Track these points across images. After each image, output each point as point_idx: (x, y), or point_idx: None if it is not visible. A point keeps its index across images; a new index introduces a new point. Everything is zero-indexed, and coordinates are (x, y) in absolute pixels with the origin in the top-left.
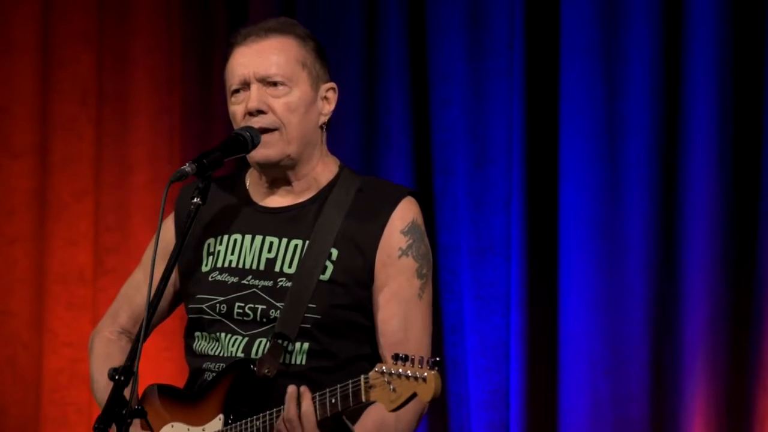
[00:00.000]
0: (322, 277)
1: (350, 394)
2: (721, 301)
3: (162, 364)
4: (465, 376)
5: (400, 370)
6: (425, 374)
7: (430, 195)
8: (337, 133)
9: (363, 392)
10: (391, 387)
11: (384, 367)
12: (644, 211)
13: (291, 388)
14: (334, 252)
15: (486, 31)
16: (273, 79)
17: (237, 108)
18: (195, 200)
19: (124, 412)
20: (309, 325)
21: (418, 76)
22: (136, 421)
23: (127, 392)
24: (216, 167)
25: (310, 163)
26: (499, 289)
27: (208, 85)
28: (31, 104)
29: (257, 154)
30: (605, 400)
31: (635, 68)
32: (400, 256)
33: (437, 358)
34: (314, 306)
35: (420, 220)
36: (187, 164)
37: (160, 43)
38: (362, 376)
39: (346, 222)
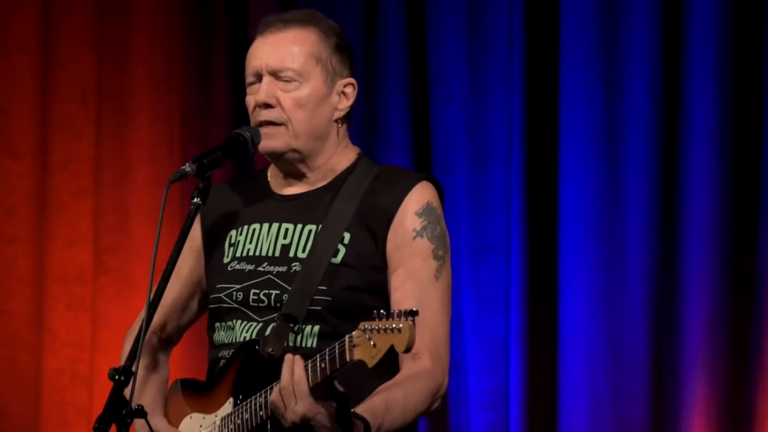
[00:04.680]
0: (333, 260)
1: (336, 356)
2: (721, 301)
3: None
4: (465, 376)
5: (380, 325)
6: (400, 325)
7: None
8: None
9: (347, 351)
10: (372, 343)
11: (366, 325)
12: (644, 211)
13: (288, 356)
14: (347, 235)
15: (486, 31)
16: (283, 74)
17: (250, 99)
18: (195, 200)
19: (124, 412)
20: (320, 308)
21: (417, 76)
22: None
23: (127, 392)
24: (216, 167)
25: (324, 155)
26: (499, 289)
27: (208, 85)
28: (31, 104)
29: (262, 146)
30: (605, 400)
31: (635, 68)
32: (414, 237)
33: (414, 309)
34: (324, 288)
35: (436, 204)
36: (188, 164)
37: (160, 43)
38: (346, 336)
39: (361, 206)
